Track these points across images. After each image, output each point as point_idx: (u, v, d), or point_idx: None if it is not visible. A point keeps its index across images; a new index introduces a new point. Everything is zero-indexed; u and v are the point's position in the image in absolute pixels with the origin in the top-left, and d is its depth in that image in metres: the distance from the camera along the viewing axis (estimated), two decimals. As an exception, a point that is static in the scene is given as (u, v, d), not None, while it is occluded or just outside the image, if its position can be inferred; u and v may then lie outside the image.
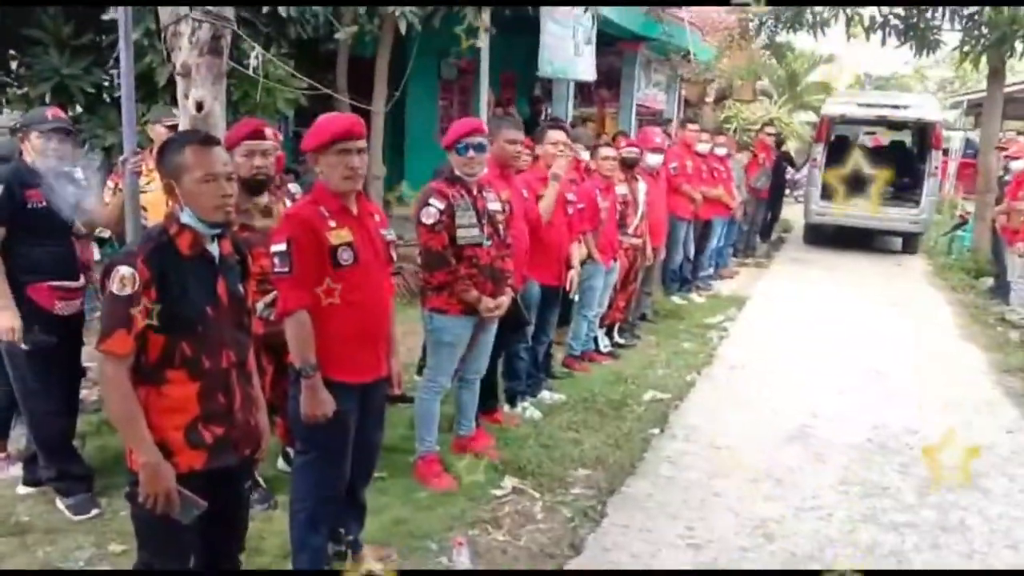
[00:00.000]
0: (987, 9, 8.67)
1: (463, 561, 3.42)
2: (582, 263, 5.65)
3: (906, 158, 14.71)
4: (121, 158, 3.79)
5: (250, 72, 5.41)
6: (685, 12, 13.50)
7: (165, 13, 3.95)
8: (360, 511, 3.40)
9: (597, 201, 5.90)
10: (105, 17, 5.93)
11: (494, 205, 4.05)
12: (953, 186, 18.23)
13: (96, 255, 4.86)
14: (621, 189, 6.47)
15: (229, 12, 3.91)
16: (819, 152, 12.91)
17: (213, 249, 2.49)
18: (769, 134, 12.26)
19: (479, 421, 4.63)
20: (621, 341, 7.04)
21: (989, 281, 10.10)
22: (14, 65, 6.53)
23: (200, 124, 3.81)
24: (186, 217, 2.42)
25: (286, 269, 2.95)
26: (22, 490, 3.93)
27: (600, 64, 11.41)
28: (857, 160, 14.54)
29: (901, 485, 4.39)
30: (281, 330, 3.10)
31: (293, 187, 4.23)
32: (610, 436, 4.86)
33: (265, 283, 3.57)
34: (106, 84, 6.27)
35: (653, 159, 7.30)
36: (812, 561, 3.60)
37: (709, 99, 17.86)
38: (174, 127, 4.26)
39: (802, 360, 6.80)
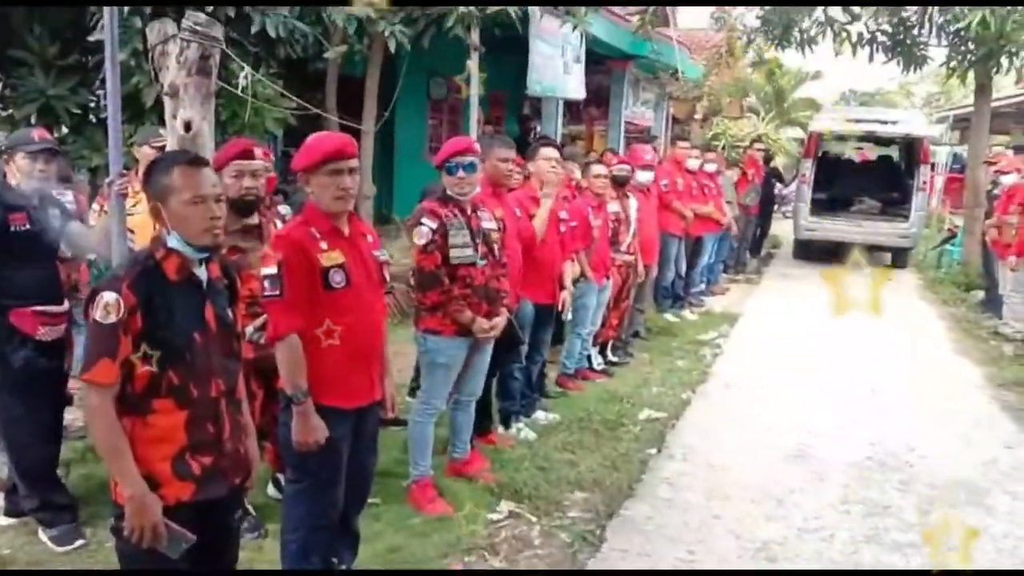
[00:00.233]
0: (974, 24, 8.71)
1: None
2: (575, 281, 5.60)
3: (894, 173, 14.79)
4: (107, 180, 3.71)
5: (239, 92, 5.35)
6: (673, 30, 13.58)
7: (153, 32, 3.89)
8: (353, 539, 3.32)
9: (589, 219, 5.86)
10: (91, 38, 5.88)
11: (489, 224, 3.99)
12: (940, 200, 18.31)
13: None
14: (613, 207, 6.44)
15: (218, 31, 3.85)
16: (808, 168, 12.95)
17: (201, 273, 2.41)
18: (758, 150, 12.29)
19: (473, 443, 4.55)
20: (614, 359, 6.98)
21: (980, 294, 10.11)
22: (-1, 86, 6.46)
23: (188, 145, 3.74)
24: (173, 241, 2.34)
25: (276, 292, 2.88)
26: (3, 521, 3.82)
27: (589, 83, 11.44)
28: (845, 176, 14.65)
29: (902, 504, 4.33)
30: (271, 354, 3.03)
31: (283, 208, 4.16)
32: (607, 457, 4.78)
33: (255, 306, 3.50)
34: (92, 105, 6.21)
35: (644, 176, 7.30)
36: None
37: (698, 116, 17.93)
38: (162, 148, 4.19)
39: (797, 377, 6.76)
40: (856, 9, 10.58)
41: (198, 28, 3.77)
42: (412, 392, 5.54)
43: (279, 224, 3.83)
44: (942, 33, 10.46)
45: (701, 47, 16.33)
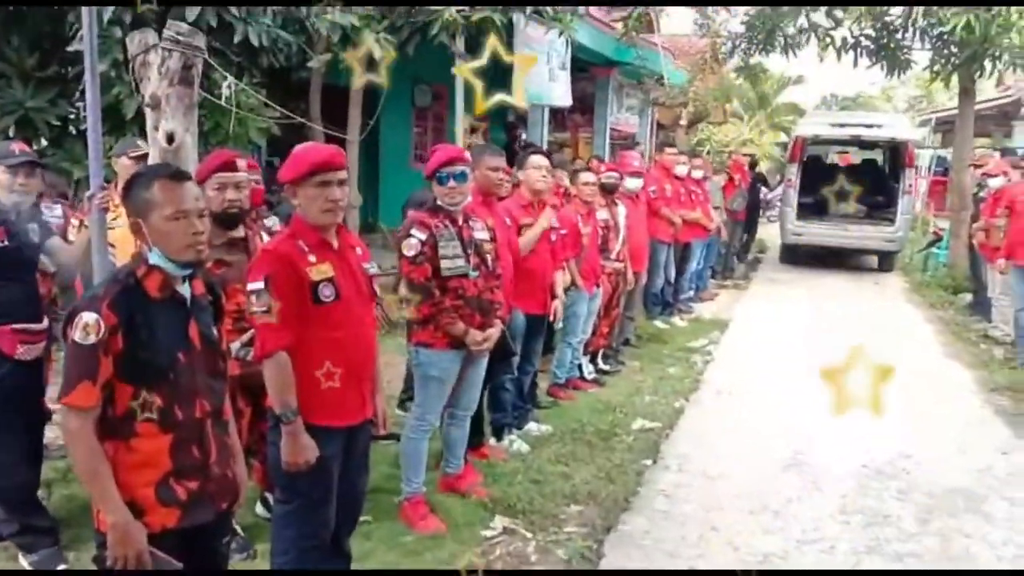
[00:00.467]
0: (959, 28, 8.73)
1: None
2: (565, 290, 5.54)
3: (879, 177, 14.85)
4: (88, 193, 3.62)
5: (222, 102, 5.26)
6: (657, 36, 13.58)
7: (133, 43, 3.80)
8: (345, 560, 3.22)
9: (579, 227, 5.80)
10: (70, 48, 5.77)
11: (481, 234, 3.91)
12: (924, 204, 18.39)
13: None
14: (602, 214, 6.38)
15: (200, 41, 3.77)
16: (793, 172, 12.96)
17: (184, 290, 2.33)
18: (744, 155, 12.30)
19: (466, 457, 4.47)
20: (605, 367, 6.93)
21: (967, 298, 10.12)
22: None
23: (171, 157, 3.65)
24: (155, 257, 2.25)
25: (264, 308, 2.79)
26: (-18, 546, 3.70)
27: (573, 89, 11.38)
28: (831, 180, 14.67)
29: (901, 512, 4.28)
30: (258, 370, 2.94)
31: (270, 220, 4.06)
32: (601, 469, 4.71)
33: (241, 321, 3.41)
34: (72, 117, 6.11)
35: (632, 183, 7.25)
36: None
37: (683, 122, 17.96)
38: (140, 158, 4.08)
39: (789, 383, 6.71)
40: (839, 14, 10.61)
41: (180, 37, 3.69)
42: (401, 404, 5.47)
43: (265, 237, 3.74)
44: (925, 37, 10.51)
45: (685, 53, 16.35)
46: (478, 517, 4.03)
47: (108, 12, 5.54)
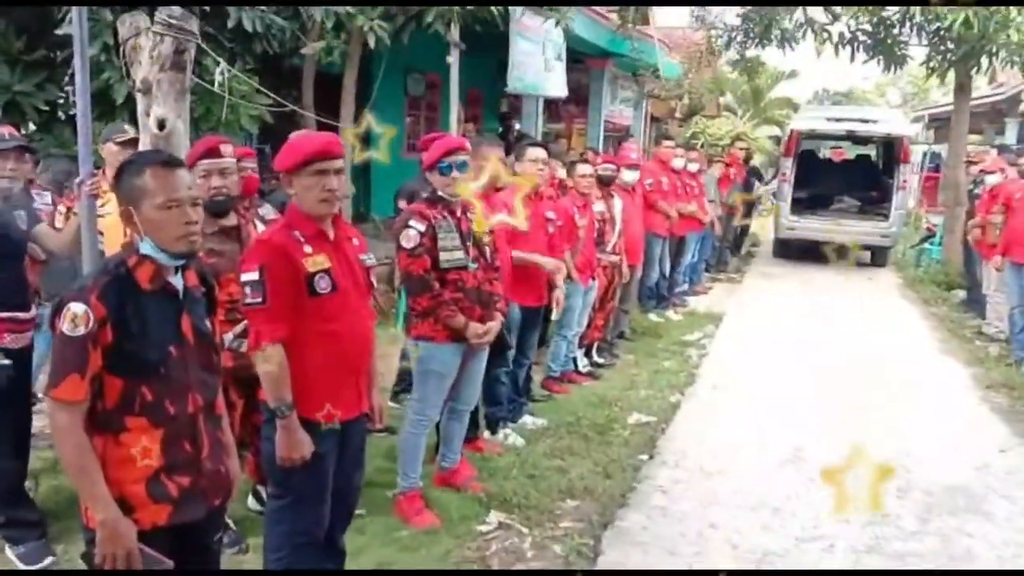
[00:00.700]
0: (957, 24, 8.69)
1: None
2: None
3: (873, 172, 14.83)
4: (77, 180, 3.53)
5: (215, 88, 5.16)
6: (653, 29, 13.51)
7: (124, 26, 3.71)
8: (339, 557, 3.16)
9: (575, 219, 5.73)
10: (59, 32, 5.65)
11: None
12: (917, 200, 18.41)
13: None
14: (598, 206, 6.32)
15: (193, 25, 3.67)
16: (788, 166, 12.92)
17: (176, 282, 2.25)
18: (740, 149, 12.26)
19: (461, 451, 4.40)
20: (600, 360, 6.88)
21: (961, 294, 10.11)
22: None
23: (162, 144, 3.56)
24: (146, 247, 2.18)
25: (259, 299, 2.71)
26: (-33, 540, 3.62)
27: (568, 80, 11.33)
28: (825, 174, 14.66)
29: (900, 511, 4.24)
30: (251, 363, 2.87)
31: (264, 209, 3.97)
32: (597, 463, 4.65)
33: (234, 312, 3.33)
34: (60, 101, 5.99)
35: (629, 175, 7.19)
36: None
37: (677, 115, 17.90)
38: (126, 144, 3.98)
39: (784, 378, 6.69)
40: (837, 9, 10.56)
41: (172, 21, 3.59)
42: (395, 396, 5.40)
43: (260, 225, 3.66)
44: (922, 32, 10.47)
45: (680, 46, 16.29)
46: (473, 512, 3.97)
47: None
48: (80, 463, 2.10)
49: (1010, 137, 17.44)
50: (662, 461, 4.85)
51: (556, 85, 10.84)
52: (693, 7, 13.09)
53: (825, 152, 17.04)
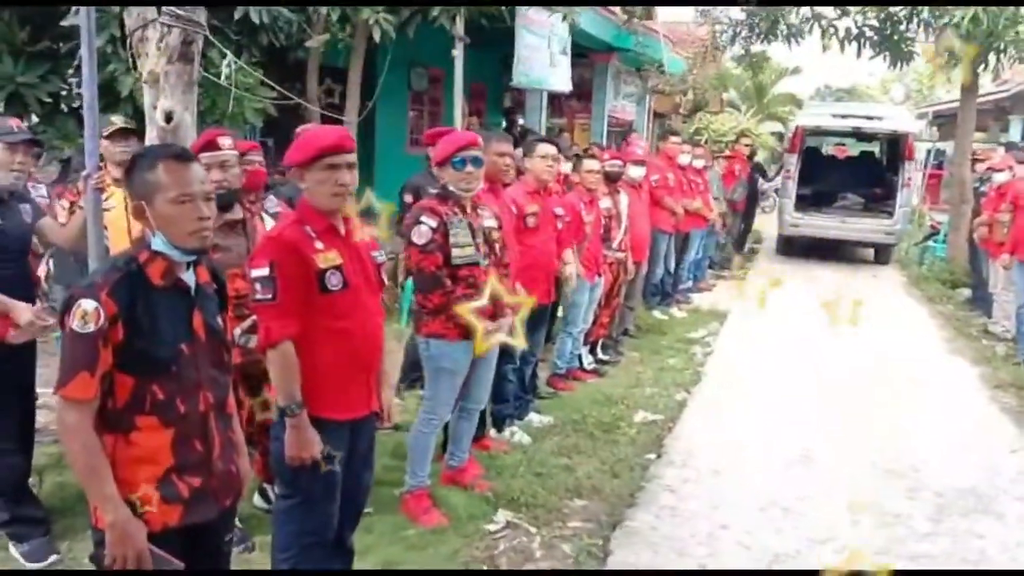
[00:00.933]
0: (965, 21, 8.63)
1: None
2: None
3: (877, 169, 14.77)
4: (83, 173, 3.47)
5: (221, 81, 5.11)
6: (658, 24, 13.44)
7: (131, 17, 3.65)
8: (347, 557, 3.12)
9: (582, 214, 5.69)
10: (64, 23, 5.59)
11: (490, 222, 3.79)
12: (921, 197, 18.37)
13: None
14: (604, 203, 6.27)
15: (201, 16, 3.62)
16: (792, 163, 12.86)
17: (188, 278, 2.20)
18: (745, 145, 12.21)
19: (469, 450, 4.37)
20: (605, 357, 6.84)
21: (966, 292, 10.07)
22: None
23: (169, 136, 3.51)
24: (158, 243, 2.13)
25: (269, 296, 2.67)
26: (-29, 537, 3.58)
27: (571, 75, 11.27)
28: (829, 171, 14.60)
29: (913, 512, 4.20)
30: (260, 359, 2.83)
31: (269, 202, 3.92)
32: (604, 462, 4.62)
33: (241, 307, 3.29)
34: (64, 93, 5.93)
35: (636, 172, 7.14)
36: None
37: (681, 111, 17.84)
38: (114, 136, 3.90)
39: (790, 376, 6.65)
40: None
41: (180, 12, 3.54)
42: (398, 393, 5.36)
43: (267, 219, 3.62)
44: (930, 29, 10.39)
45: (684, 41, 16.22)
46: (481, 511, 3.94)
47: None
48: (89, 463, 2.06)
49: (1014, 134, 17.37)
50: (669, 460, 4.82)
51: (561, 79, 10.78)
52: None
53: (828, 149, 16.98)
